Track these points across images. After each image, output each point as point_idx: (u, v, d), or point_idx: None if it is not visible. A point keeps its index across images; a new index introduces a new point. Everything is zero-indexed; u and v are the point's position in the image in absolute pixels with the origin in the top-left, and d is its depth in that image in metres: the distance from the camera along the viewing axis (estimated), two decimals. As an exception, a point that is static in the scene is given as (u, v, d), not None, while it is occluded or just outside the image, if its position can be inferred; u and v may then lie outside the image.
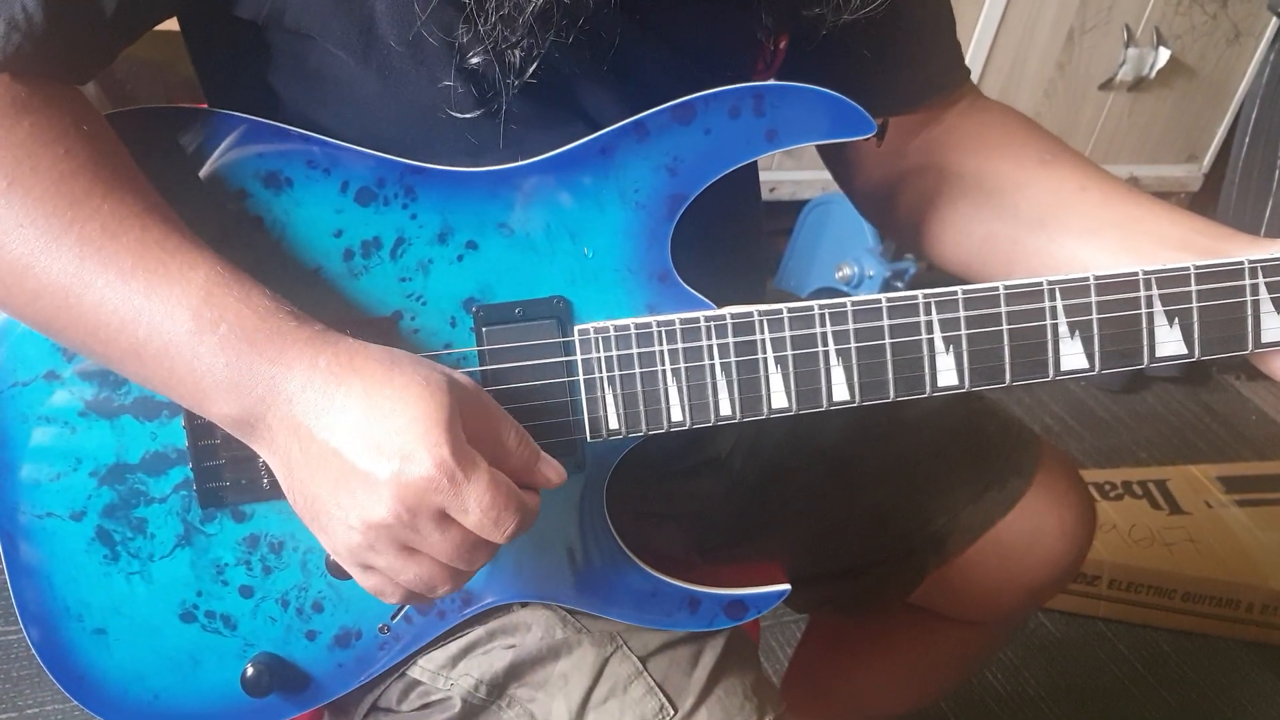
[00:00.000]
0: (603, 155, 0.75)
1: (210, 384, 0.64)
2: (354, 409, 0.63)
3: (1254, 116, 2.73)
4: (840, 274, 2.42)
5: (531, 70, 0.70)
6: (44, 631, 0.79)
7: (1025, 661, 1.90)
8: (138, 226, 0.65)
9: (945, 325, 0.75)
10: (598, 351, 0.76)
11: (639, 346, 0.75)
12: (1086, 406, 2.60)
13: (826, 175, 2.46)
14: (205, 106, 0.77)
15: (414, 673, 0.84)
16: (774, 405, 0.77)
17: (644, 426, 0.77)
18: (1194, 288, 0.75)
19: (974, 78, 0.98)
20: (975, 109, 0.96)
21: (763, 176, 0.97)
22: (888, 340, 0.75)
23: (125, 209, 0.65)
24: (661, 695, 0.82)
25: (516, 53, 0.69)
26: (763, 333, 0.75)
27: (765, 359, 0.76)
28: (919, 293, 0.75)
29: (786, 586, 0.84)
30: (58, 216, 0.63)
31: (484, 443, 0.66)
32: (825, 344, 0.75)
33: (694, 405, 0.76)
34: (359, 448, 0.62)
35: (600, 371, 0.76)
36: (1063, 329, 0.76)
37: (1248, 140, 2.74)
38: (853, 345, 0.75)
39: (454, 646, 0.83)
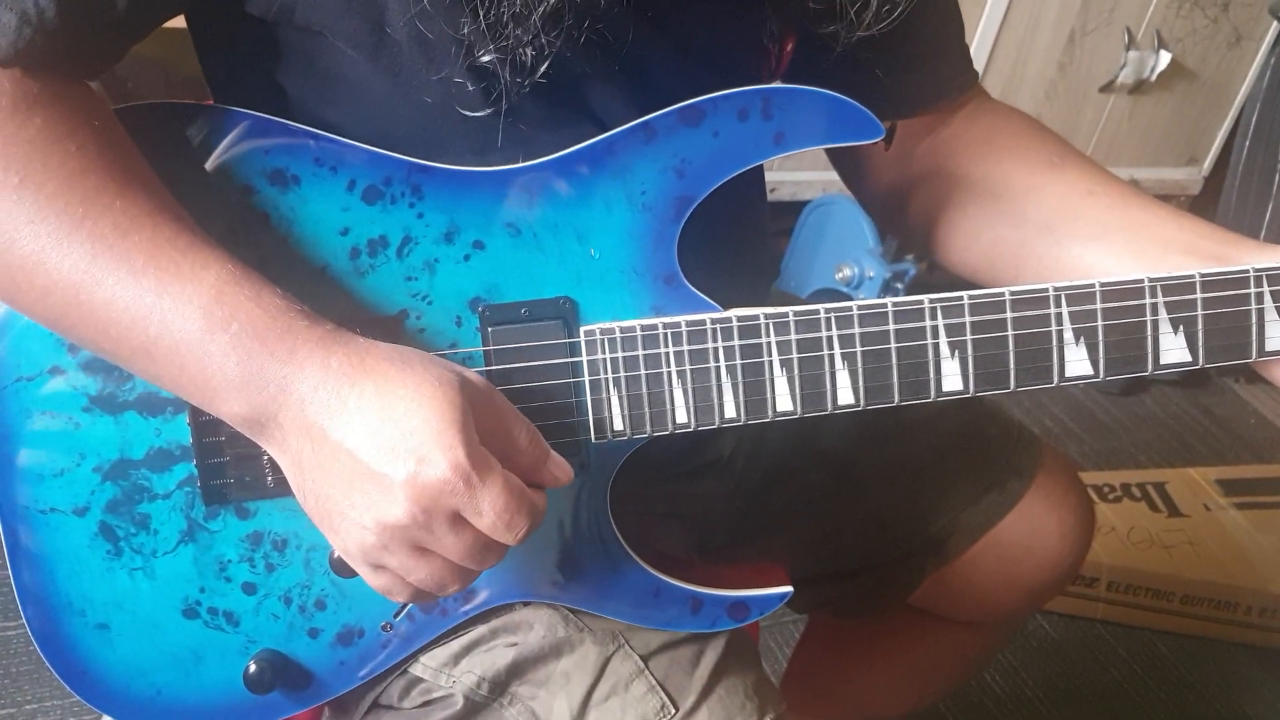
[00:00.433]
0: (610, 156, 0.75)
1: (221, 382, 0.64)
2: (368, 410, 0.63)
3: (1254, 120, 2.72)
4: (840, 275, 2.42)
5: (542, 70, 0.70)
6: (46, 626, 0.79)
7: (1024, 663, 1.90)
8: (149, 224, 0.65)
9: (951, 330, 0.75)
10: (603, 353, 0.76)
11: (645, 348, 0.75)
12: (1086, 409, 2.60)
13: (827, 176, 2.47)
14: (207, 103, 0.77)
15: (416, 670, 0.84)
16: (779, 408, 0.77)
17: (649, 428, 0.77)
18: (1199, 295, 0.75)
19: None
20: (983, 111, 0.96)
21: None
22: (893, 345, 0.75)
23: (137, 207, 0.65)
24: (663, 694, 0.82)
25: (528, 51, 0.69)
26: (768, 336, 0.75)
27: (771, 362, 0.76)
28: (925, 298, 0.75)
29: (789, 589, 0.84)
30: (69, 213, 0.63)
31: (495, 441, 0.66)
32: (831, 348, 0.75)
33: (699, 407, 0.76)
34: (374, 449, 0.62)
35: (605, 373, 0.76)
36: (1068, 335, 0.76)
37: (1248, 144, 2.74)
38: (858, 349, 0.75)
39: (456, 644, 0.83)
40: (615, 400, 0.76)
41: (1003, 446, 1.10)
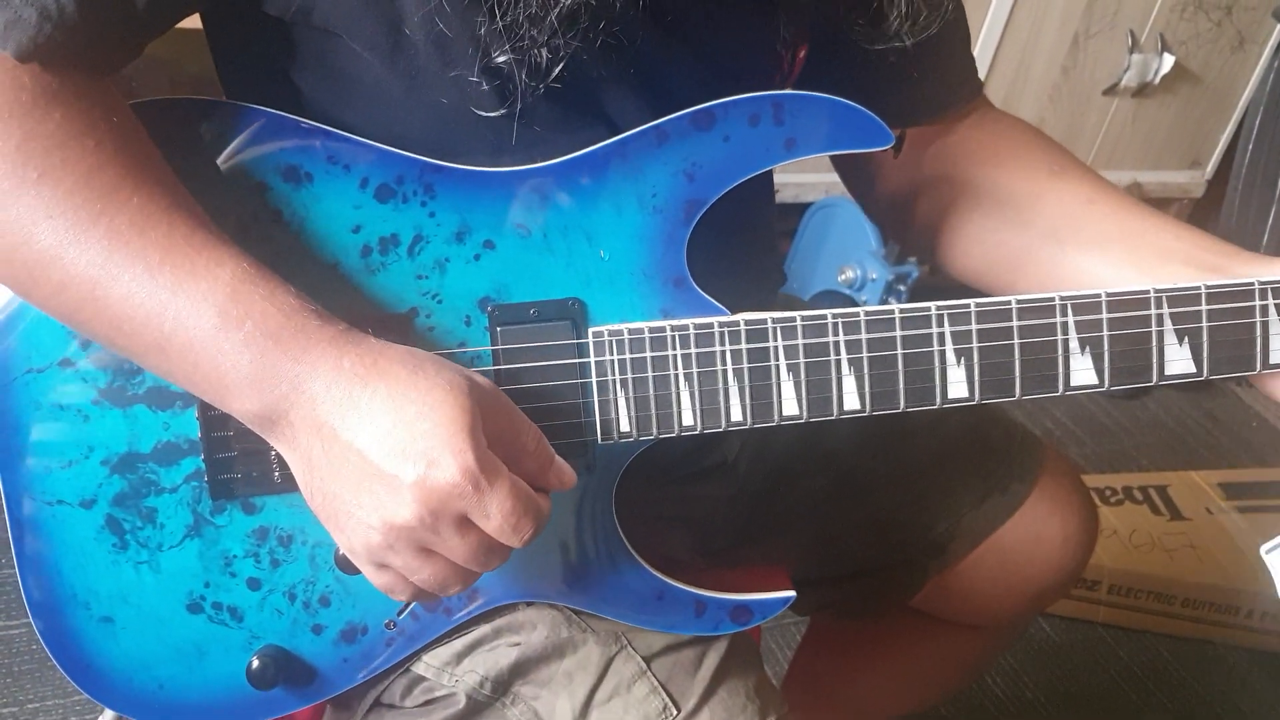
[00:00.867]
0: (621, 159, 0.75)
1: (234, 380, 0.65)
2: (379, 411, 0.64)
3: (1258, 123, 2.72)
4: (843, 277, 2.42)
5: (557, 72, 0.70)
6: (50, 618, 0.79)
7: (1025, 666, 1.90)
8: (165, 221, 0.65)
9: (957, 338, 0.75)
10: (611, 354, 0.76)
11: (652, 350, 0.76)
12: (1088, 412, 2.60)
13: (830, 178, 2.47)
14: (221, 100, 0.77)
15: (418, 669, 0.84)
16: (785, 412, 0.77)
17: (655, 430, 0.77)
18: (1204, 307, 0.76)
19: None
20: (987, 119, 0.97)
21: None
22: (900, 351, 0.76)
23: (153, 203, 0.65)
24: (665, 695, 0.82)
25: (543, 52, 0.70)
26: (776, 340, 0.75)
27: (778, 366, 0.76)
28: (932, 305, 0.75)
29: (792, 593, 0.84)
30: (87, 209, 0.64)
31: (502, 445, 0.67)
32: (837, 353, 0.76)
33: (705, 410, 0.76)
34: (384, 450, 0.63)
35: (613, 374, 0.76)
36: (1073, 344, 0.76)
37: (1251, 147, 2.74)
38: (865, 355, 0.76)
39: (459, 643, 0.84)
40: (622, 402, 0.76)
41: (1005, 450, 1.11)
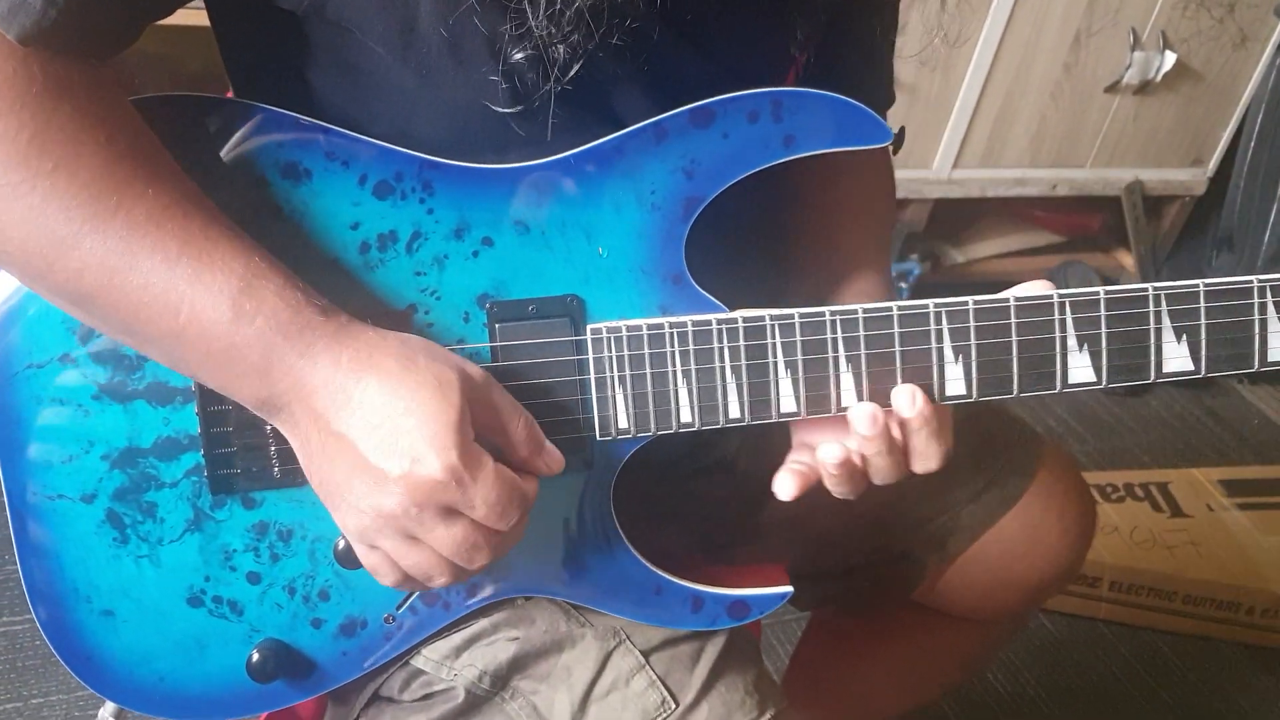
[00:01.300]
0: (620, 156, 0.75)
1: (242, 370, 0.67)
2: (369, 405, 0.66)
3: (1260, 121, 2.72)
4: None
5: (573, 71, 0.71)
6: (52, 611, 0.79)
7: (1026, 662, 1.90)
8: (180, 213, 0.66)
9: (955, 335, 0.76)
10: (609, 351, 0.76)
11: (650, 347, 0.76)
12: (1089, 409, 2.60)
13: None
14: (221, 96, 0.77)
15: (417, 662, 0.85)
16: (783, 409, 0.77)
17: (653, 427, 0.77)
18: (1202, 305, 0.76)
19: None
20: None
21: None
22: (897, 348, 0.76)
23: (167, 196, 0.66)
24: (663, 689, 0.83)
25: (561, 49, 0.70)
26: (774, 337, 0.76)
27: (776, 363, 0.76)
28: (930, 302, 0.75)
29: (789, 589, 0.85)
30: (104, 200, 0.64)
31: (490, 434, 0.69)
32: (835, 350, 0.76)
33: (703, 407, 0.77)
34: (372, 444, 0.65)
35: (611, 371, 0.76)
36: (1071, 342, 0.76)
37: (1253, 145, 2.73)
38: (862, 352, 0.76)
39: (458, 637, 0.84)
40: (620, 399, 0.77)
41: (1005, 444, 1.10)
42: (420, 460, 0.64)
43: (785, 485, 0.80)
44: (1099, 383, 0.77)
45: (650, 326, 0.76)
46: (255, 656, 0.80)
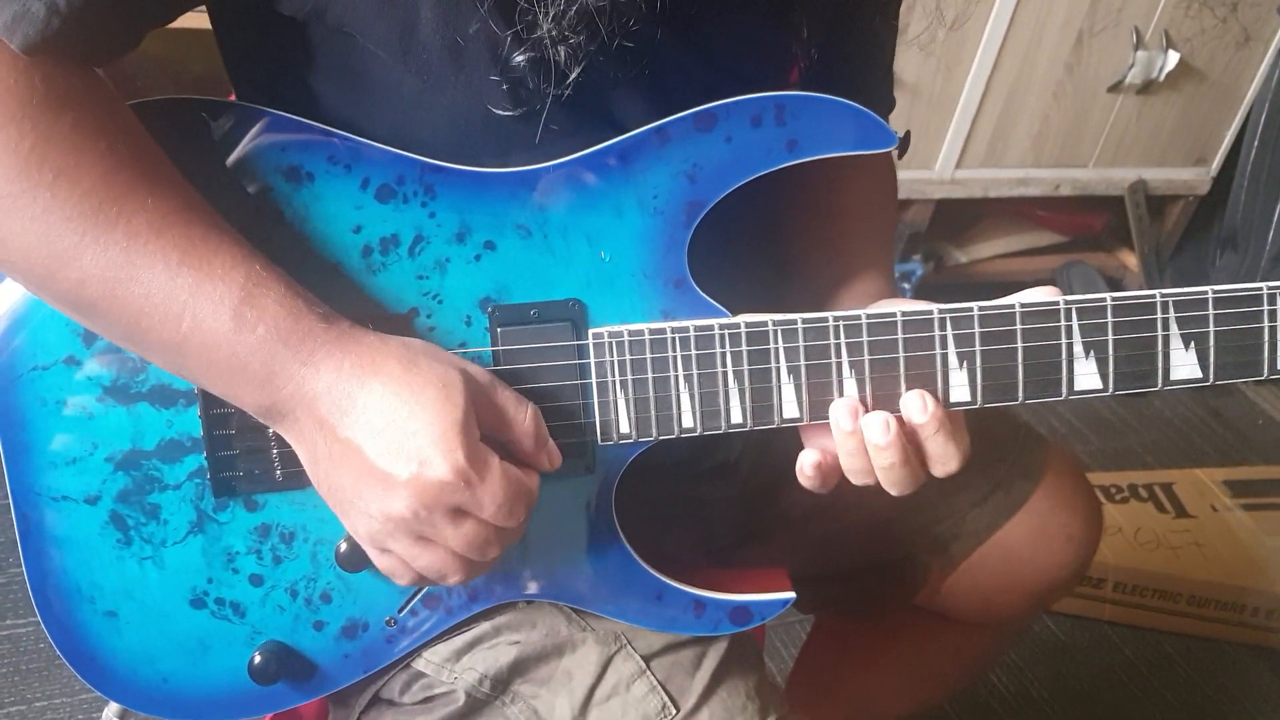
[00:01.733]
0: (622, 160, 0.75)
1: (245, 379, 0.67)
2: (374, 410, 0.66)
3: (1263, 120, 2.71)
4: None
5: (574, 75, 0.70)
6: (56, 612, 0.79)
7: (1030, 664, 1.90)
8: (182, 222, 0.66)
9: (960, 341, 0.75)
10: (611, 355, 0.76)
11: (652, 352, 0.76)
12: (1093, 410, 2.59)
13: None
14: (224, 99, 0.77)
15: (418, 665, 0.85)
16: (785, 415, 0.77)
17: (655, 431, 0.77)
18: (1211, 312, 0.75)
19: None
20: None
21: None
22: (901, 354, 0.75)
23: (168, 204, 0.66)
24: (664, 694, 0.83)
25: (563, 51, 0.70)
26: (776, 342, 0.75)
27: (778, 369, 0.76)
28: (934, 308, 0.75)
29: (791, 594, 0.85)
30: (105, 210, 0.64)
31: (495, 431, 0.70)
32: (838, 356, 0.76)
33: (705, 412, 0.76)
34: (378, 448, 0.65)
35: (613, 375, 0.76)
36: (1078, 349, 0.76)
37: (1256, 144, 2.73)
38: (866, 358, 0.76)
39: (459, 640, 0.84)
40: (622, 403, 0.76)
41: (1010, 447, 1.10)
42: (427, 462, 0.65)
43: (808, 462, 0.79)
44: (1105, 390, 0.76)
45: (652, 331, 0.76)
46: (257, 658, 0.80)
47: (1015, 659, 1.90)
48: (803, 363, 0.76)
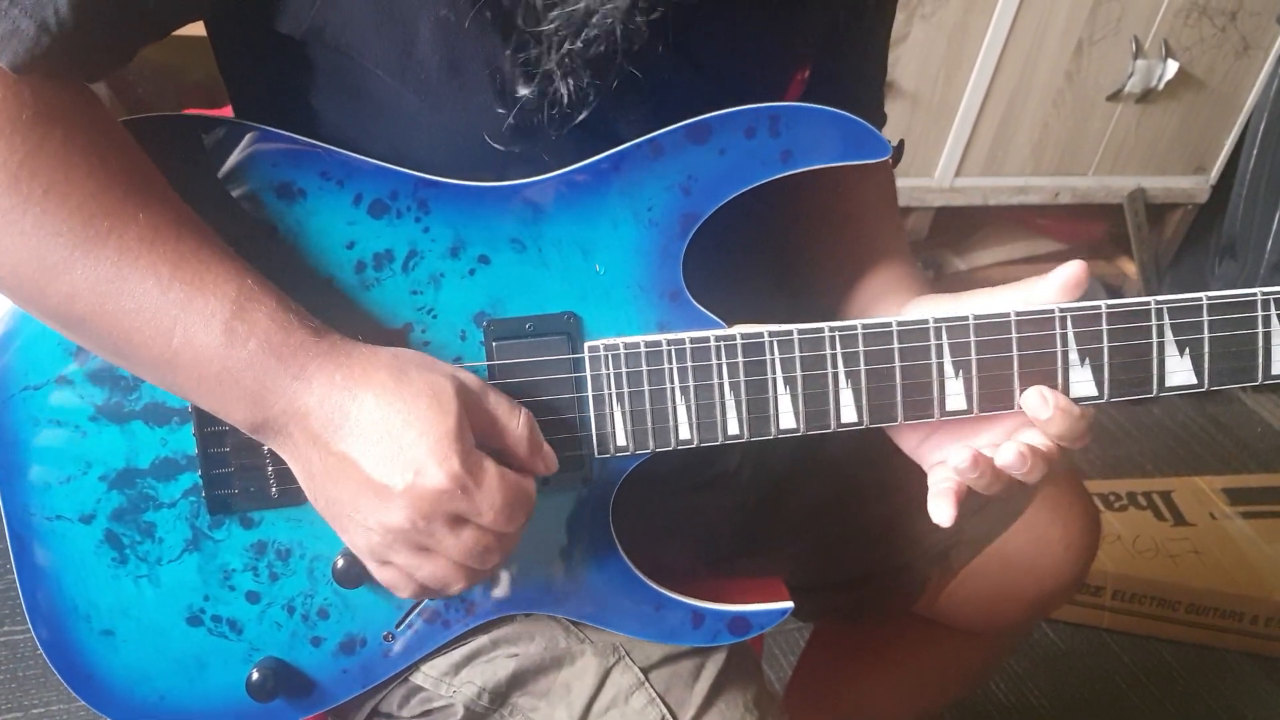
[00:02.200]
0: (617, 172, 0.75)
1: (236, 394, 0.67)
2: (367, 422, 0.66)
3: (1262, 129, 2.72)
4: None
5: (572, 88, 0.70)
6: (52, 631, 0.79)
7: (1029, 672, 1.90)
8: (173, 237, 0.66)
9: (955, 350, 0.75)
10: (607, 368, 0.76)
11: (648, 364, 0.76)
12: (1092, 417, 2.59)
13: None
14: (217, 115, 0.77)
15: (416, 679, 0.85)
16: (782, 426, 0.77)
17: (651, 444, 0.77)
18: (1205, 318, 0.75)
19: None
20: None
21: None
22: (897, 364, 0.75)
23: (160, 218, 0.66)
24: (663, 706, 0.83)
25: (569, 83, 0.70)
26: (772, 353, 0.75)
27: (774, 380, 0.76)
28: (930, 317, 0.75)
29: (789, 604, 0.84)
30: (95, 225, 0.64)
31: (489, 439, 0.70)
32: (835, 366, 0.76)
33: (702, 424, 0.76)
34: (373, 460, 0.65)
35: (609, 388, 0.76)
36: (1073, 356, 0.76)
37: (1255, 152, 2.73)
38: (862, 368, 0.76)
39: (457, 654, 0.84)
40: (618, 416, 0.76)
41: (1008, 455, 1.10)
42: (423, 471, 0.65)
43: (942, 510, 0.77)
44: (1101, 397, 0.77)
45: (648, 344, 0.75)
46: (255, 675, 0.80)
47: (1014, 667, 1.90)
48: (799, 373, 0.76)
